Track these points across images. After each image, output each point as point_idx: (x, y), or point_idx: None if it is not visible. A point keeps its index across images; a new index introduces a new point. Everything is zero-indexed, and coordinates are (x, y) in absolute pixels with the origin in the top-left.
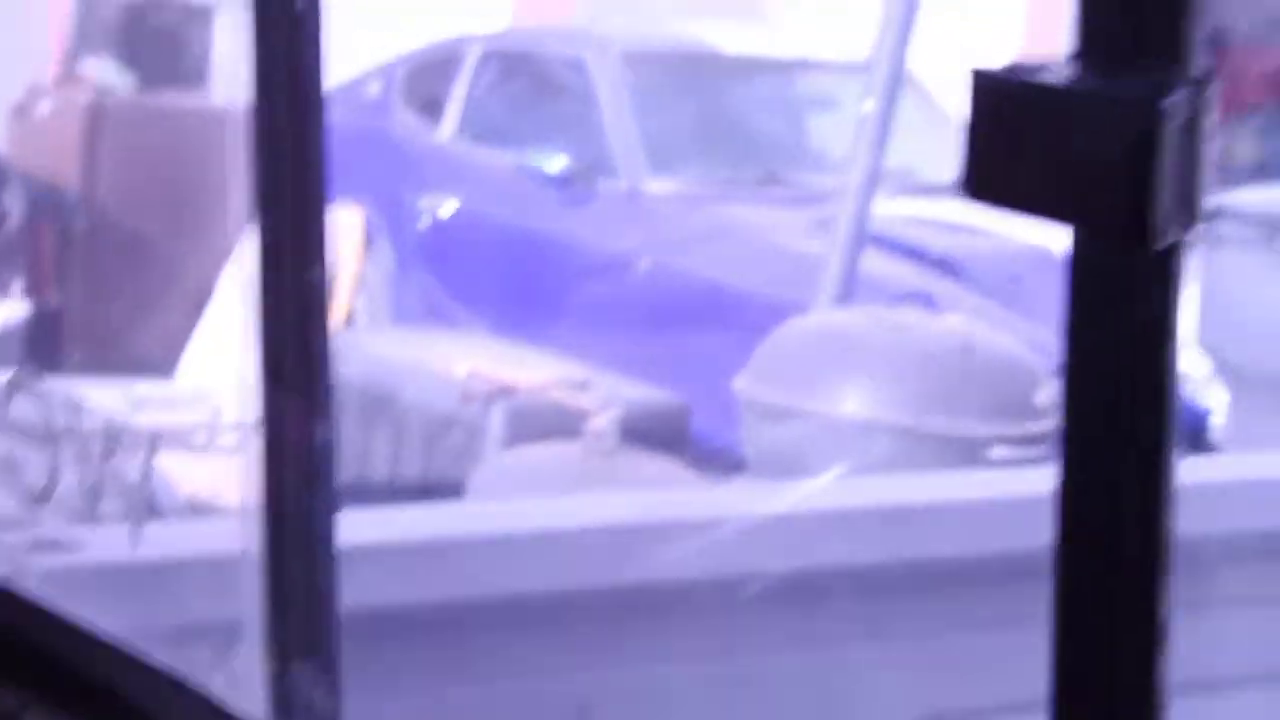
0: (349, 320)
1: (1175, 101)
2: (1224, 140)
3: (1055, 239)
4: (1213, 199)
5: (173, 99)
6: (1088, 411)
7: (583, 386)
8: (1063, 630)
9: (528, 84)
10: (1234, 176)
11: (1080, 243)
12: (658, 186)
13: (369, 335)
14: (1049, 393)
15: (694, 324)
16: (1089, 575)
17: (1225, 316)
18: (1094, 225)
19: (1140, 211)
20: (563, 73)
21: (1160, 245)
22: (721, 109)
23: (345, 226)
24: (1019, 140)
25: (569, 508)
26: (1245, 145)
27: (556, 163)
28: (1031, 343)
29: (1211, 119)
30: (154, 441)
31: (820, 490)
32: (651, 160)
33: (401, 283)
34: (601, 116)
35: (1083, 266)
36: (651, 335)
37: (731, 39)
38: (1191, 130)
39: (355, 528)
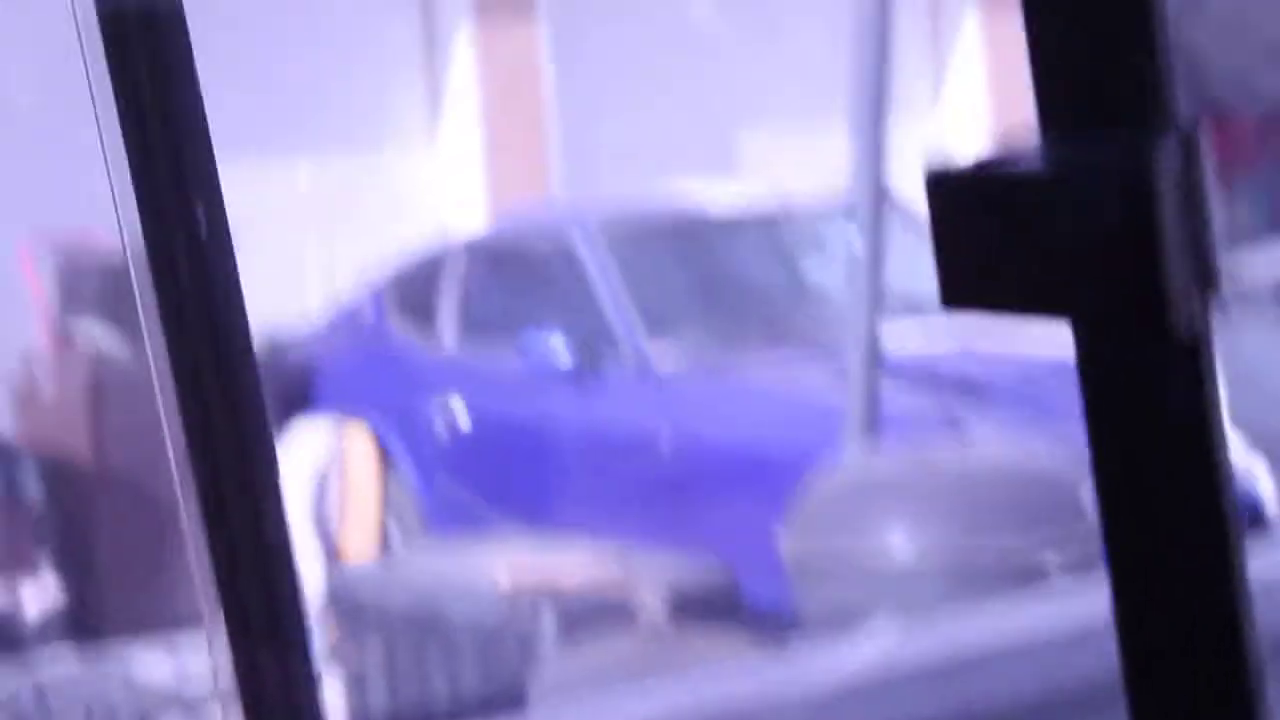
0: (382, 542)
1: (1166, 158)
2: (1218, 205)
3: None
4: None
5: None
6: (1133, 535)
7: (625, 571)
8: None
9: (517, 275)
10: (1229, 241)
11: (1085, 339)
12: (664, 356)
13: (406, 557)
14: (1088, 494)
15: (726, 491)
16: (1165, 711)
17: (1242, 385)
18: (1097, 315)
19: (1149, 289)
20: (550, 258)
21: (1181, 324)
22: (715, 270)
23: (357, 449)
24: (992, 236)
25: (631, 703)
26: (1238, 210)
27: (561, 349)
28: (1069, 461)
29: (1209, 171)
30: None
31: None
32: (651, 327)
33: (428, 495)
34: (597, 295)
35: (1093, 366)
36: (685, 508)
37: (711, 195)
38: (1190, 187)
39: None
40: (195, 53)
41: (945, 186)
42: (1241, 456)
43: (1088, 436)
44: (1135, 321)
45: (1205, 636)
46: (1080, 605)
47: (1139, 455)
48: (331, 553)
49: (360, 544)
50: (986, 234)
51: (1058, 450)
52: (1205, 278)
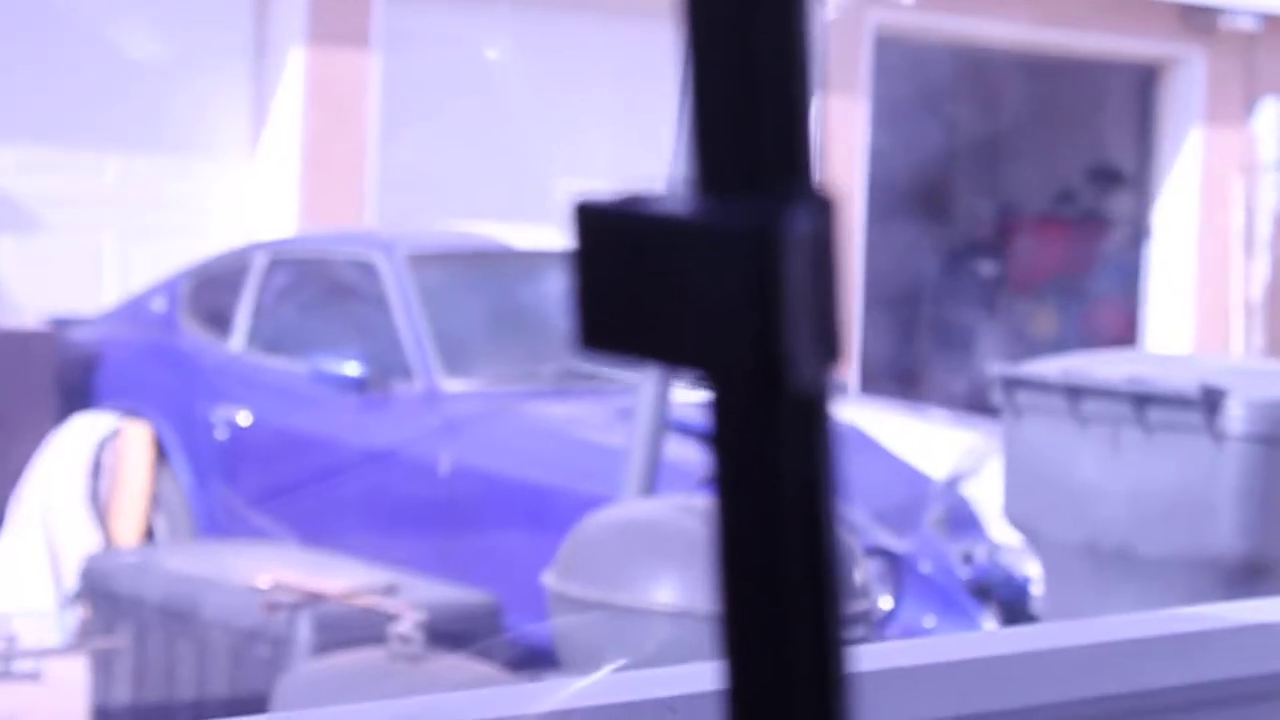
0: (147, 537)
1: (796, 225)
2: (1024, 312)
3: (863, 416)
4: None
5: None
6: (740, 588)
7: (390, 591)
8: None
9: (318, 289)
10: (1034, 347)
11: (714, 393)
12: (456, 384)
13: (168, 551)
14: (862, 571)
15: (501, 522)
16: None
17: (1031, 486)
18: (721, 370)
19: (767, 349)
20: (353, 276)
21: (797, 386)
22: (515, 305)
23: (132, 442)
24: (635, 281)
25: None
26: (1044, 317)
27: (351, 366)
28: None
29: (840, 240)
30: None
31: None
32: (446, 360)
33: (201, 497)
34: (394, 318)
35: (720, 417)
36: (460, 536)
37: (521, 236)
38: (819, 254)
39: None
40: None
41: (590, 221)
42: (1015, 544)
43: (712, 491)
44: (756, 379)
45: (802, 687)
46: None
47: (752, 510)
48: (99, 543)
49: (126, 537)
50: (628, 276)
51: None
52: (826, 342)
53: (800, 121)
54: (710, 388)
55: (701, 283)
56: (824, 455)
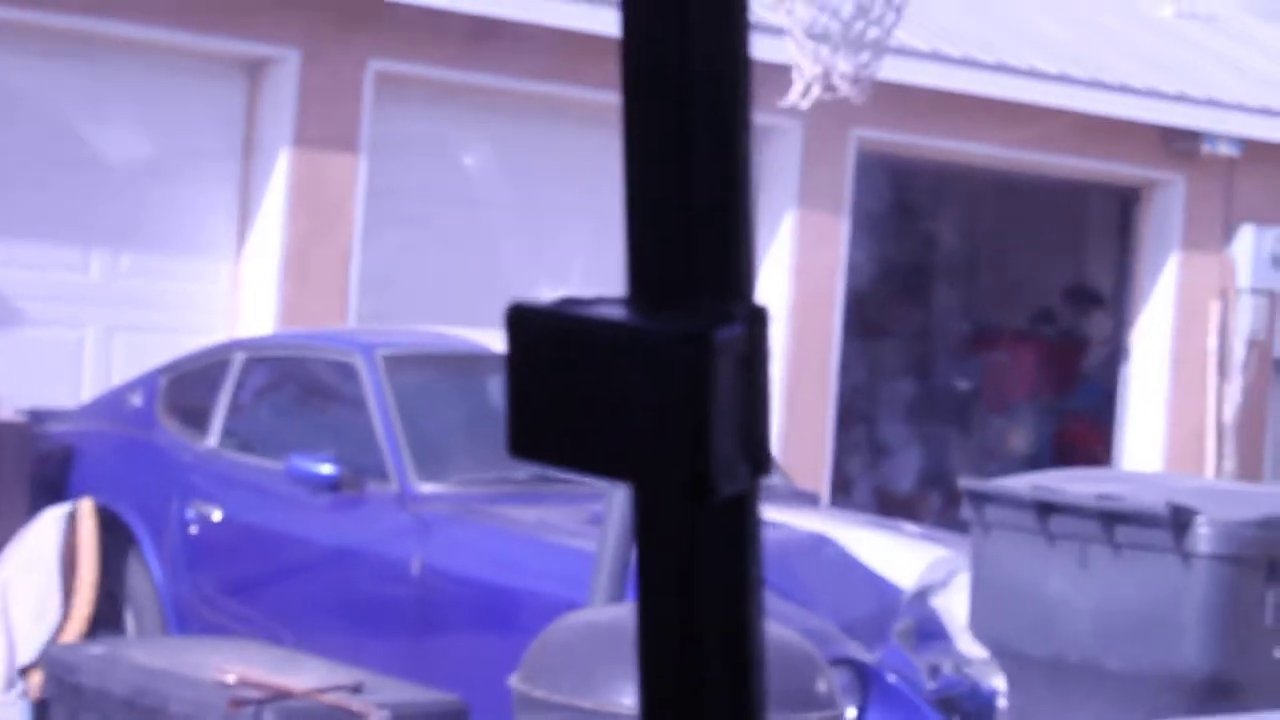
0: (90, 631)
1: (726, 336)
2: (998, 429)
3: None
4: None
5: None
6: (664, 693)
7: (357, 690)
8: None
9: (295, 388)
10: (1007, 463)
11: (641, 499)
12: (428, 487)
13: (135, 645)
14: (828, 681)
15: (471, 624)
16: None
17: (999, 600)
18: (649, 478)
19: (694, 460)
20: (330, 376)
21: (721, 496)
22: (490, 407)
23: (83, 524)
24: (567, 387)
25: None
26: (1018, 434)
27: (326, 466)
28: (808, 630)
29: (768, 355)
30: None
31: None
32: (420, 461)
33: (171, 591)
34: (369, 419)
35: (646, 525)
36: (428, 637)
37: (498, 339)
38: (749, 367)
39: None
40: None
41: (525, 324)
42: (982, 657)
43: (638, 594)
44: (683, 487)
45: None
46: None
47: (675, 613)
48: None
49: (76, 623)
50: (559, 380)
51: (804, 629)
52: (753, 450)
53: (735, 235)
54: (638, 493)
55: (631, 389)
56: (749, 560)
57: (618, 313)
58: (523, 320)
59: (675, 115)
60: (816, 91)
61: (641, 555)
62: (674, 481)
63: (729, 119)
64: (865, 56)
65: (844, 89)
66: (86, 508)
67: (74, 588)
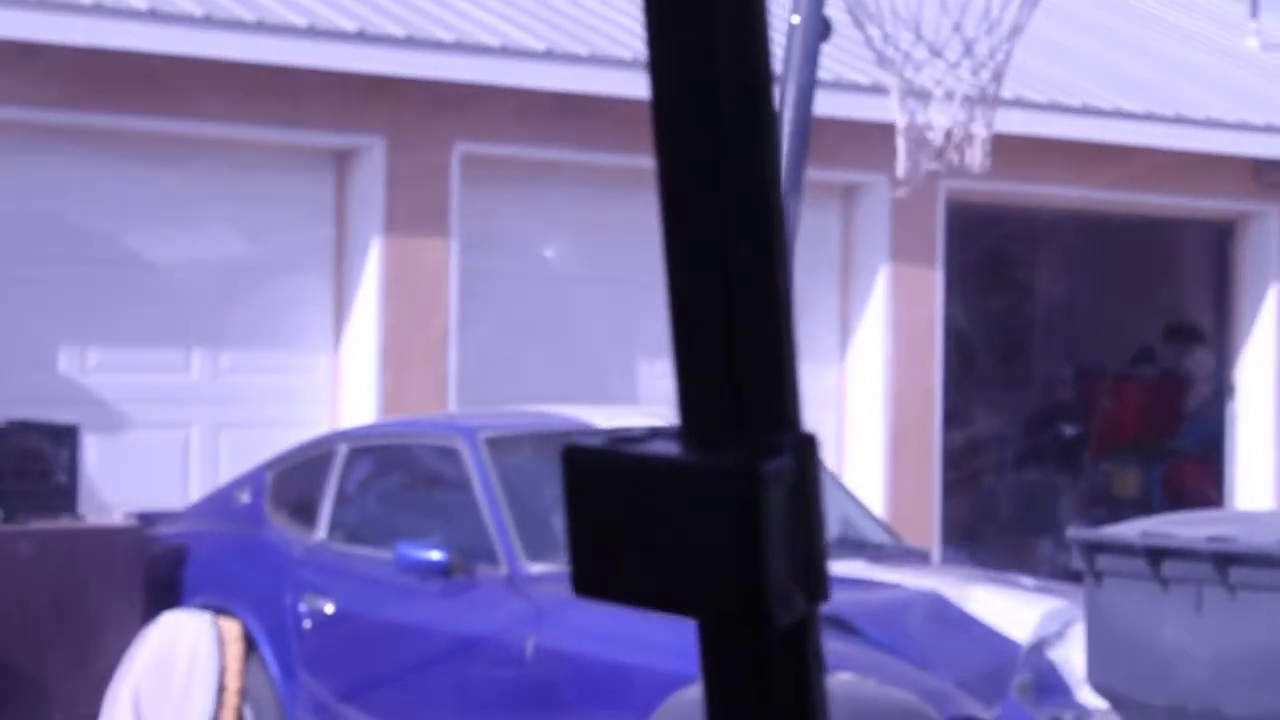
0: None
1: (775, 468)
2: (1106, 474)
3: (946, 584)
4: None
5: (41, 524)
6: None
7: None
8: None
9: (399, 476)
10: (1118, 508)
11: (703, 630)
12: (537, 568)
13: None
14: None
15: (586, 703)
16: None
17: (1115, 650)
18: (708, 610)
19: (748, 591)
20: (433, 461)
21: (778, 625)
22: None
23: (226, 641)
24: (624, 525)
25: None
26: (1126, 478)
27: (435, 553)
28: (927, 691)
29: (819, 483)
30: None
31: None
32: (528, 542)
33: (289, 689)
34: (476, 502)
35: (709, 656)
36: (545, 718)
37: (601, 415)
38: (800, 497)
39: None
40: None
41: (580, 465)
42: (1097, 703)
43: None
44: (740, 618)
45: None
46: None
47: None
48: None
49: None
50: (616, 519)
51: (922, 680)
52: (808, 578)
53: (780, 369)
54: (700, 625)
55: (685, 524)
56: (811, 686)
57: (669, 449)
58: (578, 460)
59: (718, 257)
60: (935, 165)
61: (706, 686)
62: (731, 613)
63: (768, 260)
64: (979, 112)
65: (969, 157)
66: (234, 632)
67: (222, 700)
